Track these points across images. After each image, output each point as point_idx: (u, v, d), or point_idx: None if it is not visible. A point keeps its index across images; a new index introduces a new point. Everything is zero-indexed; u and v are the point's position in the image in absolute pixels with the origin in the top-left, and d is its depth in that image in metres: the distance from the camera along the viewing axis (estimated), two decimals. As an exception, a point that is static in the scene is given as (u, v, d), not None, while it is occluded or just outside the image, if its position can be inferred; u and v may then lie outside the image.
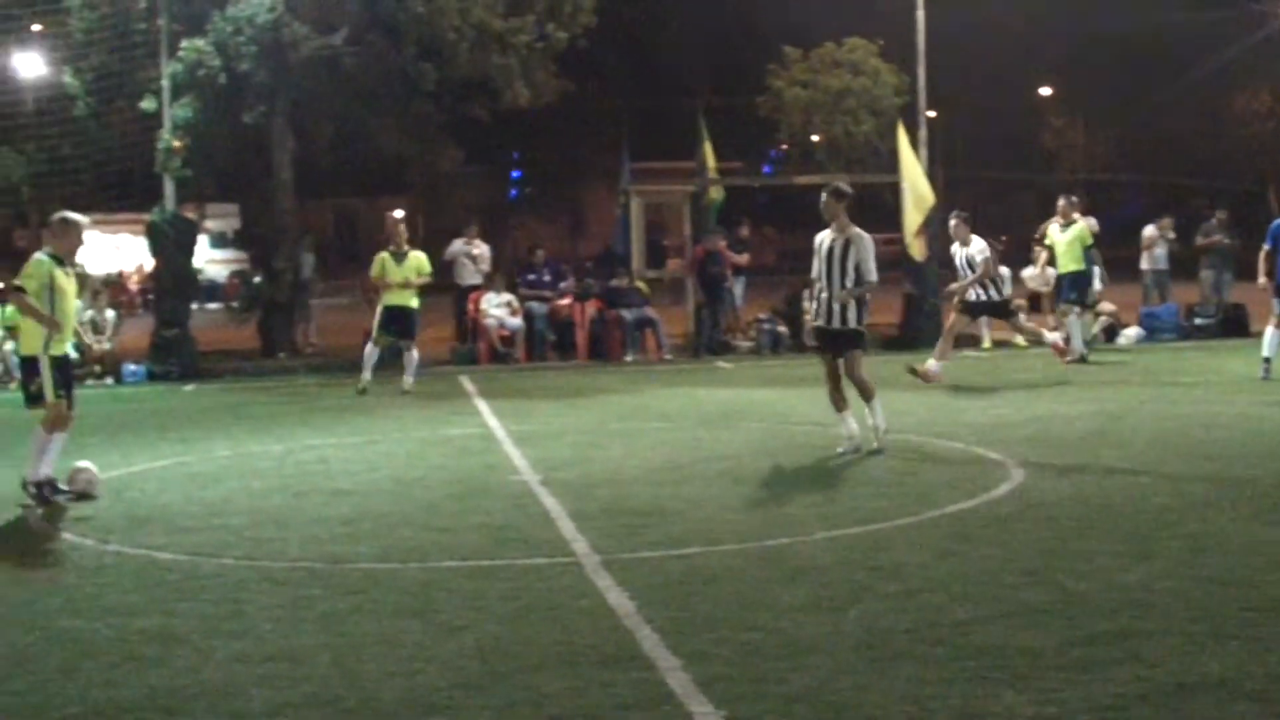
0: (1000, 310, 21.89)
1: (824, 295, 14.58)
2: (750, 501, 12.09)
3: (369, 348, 22.69)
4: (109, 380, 25.82)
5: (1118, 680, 7.00)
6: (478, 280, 28.36)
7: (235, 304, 31.93)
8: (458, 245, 29.11)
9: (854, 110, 37.78)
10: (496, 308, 27.12)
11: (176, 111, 27.31)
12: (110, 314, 26.99)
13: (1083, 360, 23.39)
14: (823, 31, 40.22)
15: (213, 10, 27.34)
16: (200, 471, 14.72)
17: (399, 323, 22.25)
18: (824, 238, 14.69)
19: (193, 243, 28.51)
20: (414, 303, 22.39)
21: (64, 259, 13.13)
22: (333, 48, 27.78)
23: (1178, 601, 8.39)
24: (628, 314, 27.36)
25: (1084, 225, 24.81)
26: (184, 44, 27.16)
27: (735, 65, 55.43)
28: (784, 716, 6.65)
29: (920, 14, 29.59)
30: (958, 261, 21.07)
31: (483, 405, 19.95)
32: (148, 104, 27.73)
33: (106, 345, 26.28)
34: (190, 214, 28.58)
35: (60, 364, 13.10)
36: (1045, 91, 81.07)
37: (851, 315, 14.51)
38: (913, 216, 27.44)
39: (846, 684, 7.06)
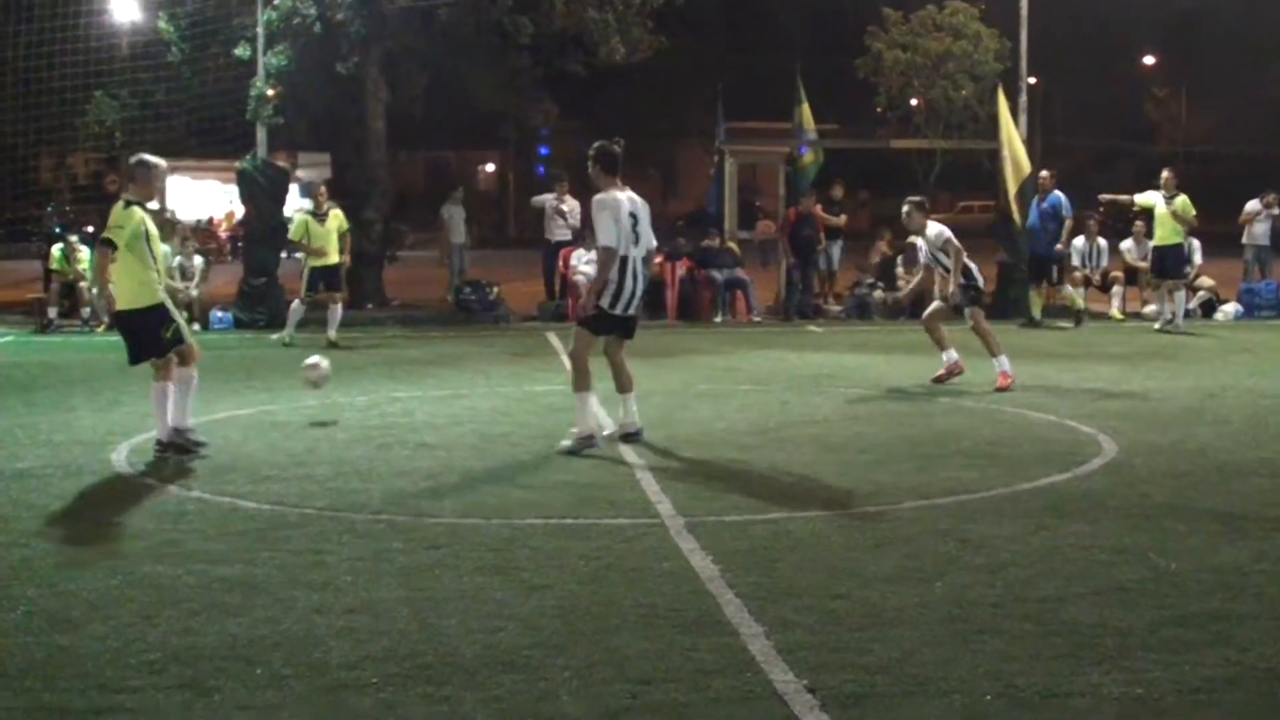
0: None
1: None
2: (838, 467, 11.96)
3: (295, 304, 23.48)
4: (196, 326, 25.88)
5: (1208, 663, 6.86)
6: (568, 236, 28.28)
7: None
8: (547, 199, 29.05)
9: (953, 75, 37.53)
10: (586, 264, 27.02)
11: (270, 59, 27.36)
12: (199, 260, 27.07)
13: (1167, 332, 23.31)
14: (924, -7, 39.94)
15: (307, -41, 27.37)
16: (285, 421, 14.72)
17: (326, 279, 23.15)
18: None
19: (284, 191, 28.58)
20: (335, 259, 23.25)
21: (143, 204, 12.82)
22: (427, -1, 27.75)
23: (1272, 584, 8.24)
24: (718, 275, 27.22)
25: (1185, 198, 24.56)
26: (280, -9, 27.21)
27: (834, 26, 55.12)
28: (866, 687, 6.56)
29: (1024, -23, 29.26)
30: (922, 257, 18.44)
31: (569, 363, 19.85)
32: (241, 51, 27.82)
33: (194, 292, 26.36)
34: (281, 162, 28.65)
35: (157, 310, 12.85)
36: (1149, 61, 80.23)
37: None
38: (1011, 185, 27.11)
39: (930, 657, 6.95)
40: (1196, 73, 76.41)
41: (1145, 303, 27.82)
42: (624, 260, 12.82)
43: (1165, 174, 25.05)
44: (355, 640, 7.25)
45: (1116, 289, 27.82)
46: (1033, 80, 30.70)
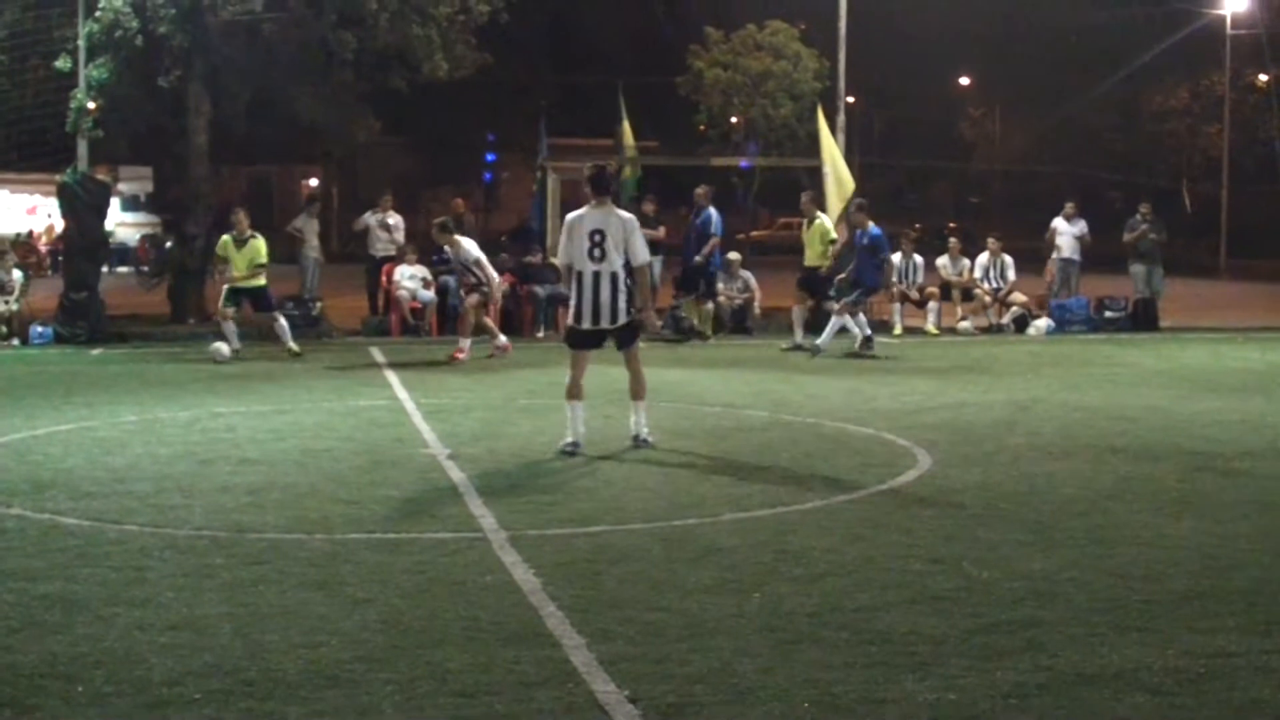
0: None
1: None
2: (659, 481, 12.11)
3: (228, 323, 23.39)
4: (15, 342, 25.55)
5: (1019, 669, 7.07)
6: (391, 252, 28.24)
7: (145, 268, 31.65)
8: (370, 216, 28.99)
9: (773, 93, 37.93)
10: (409, 280, 27.00)
11: (92, 72, 27.03)
12: (18, 274, 26.67)
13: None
14: (744, 13, 40.35)
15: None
16: (106, 437, 14.57)
17: (252, 301, 23.57)
18: None
19: (105, 205, 28.22)
20: (258, 283, 23.46)
21: None
22: (252, 13, 27.52)
23: (1080, 592, 8.48)
24: (540, 290, 27.29)
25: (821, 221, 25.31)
26: (101, 4, 26.89)
27: (656, 44, 55.48)
28: (686, 697, 6.67)
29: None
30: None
31: (393, 377, 19.86)
32: (62, 63, 27.46)
33: (13, 306, 25.99)
34: (103, 176, 28.30)
35: None
36: (964, 81, 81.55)
37: None
38: (834, 202, 27.50)
39: (749, 666, 7.09)
40: (1011, 93, 77.79)
41: (962, 317, 28.38)
42: (579, 275, 13.53)
43: (803, 197, 25.80)
44: (178, 656, 7.23)
45: (932, 304, 28.27)
46: (851, 99, 31.07)
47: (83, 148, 27.19)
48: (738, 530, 10.14)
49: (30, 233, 50.53)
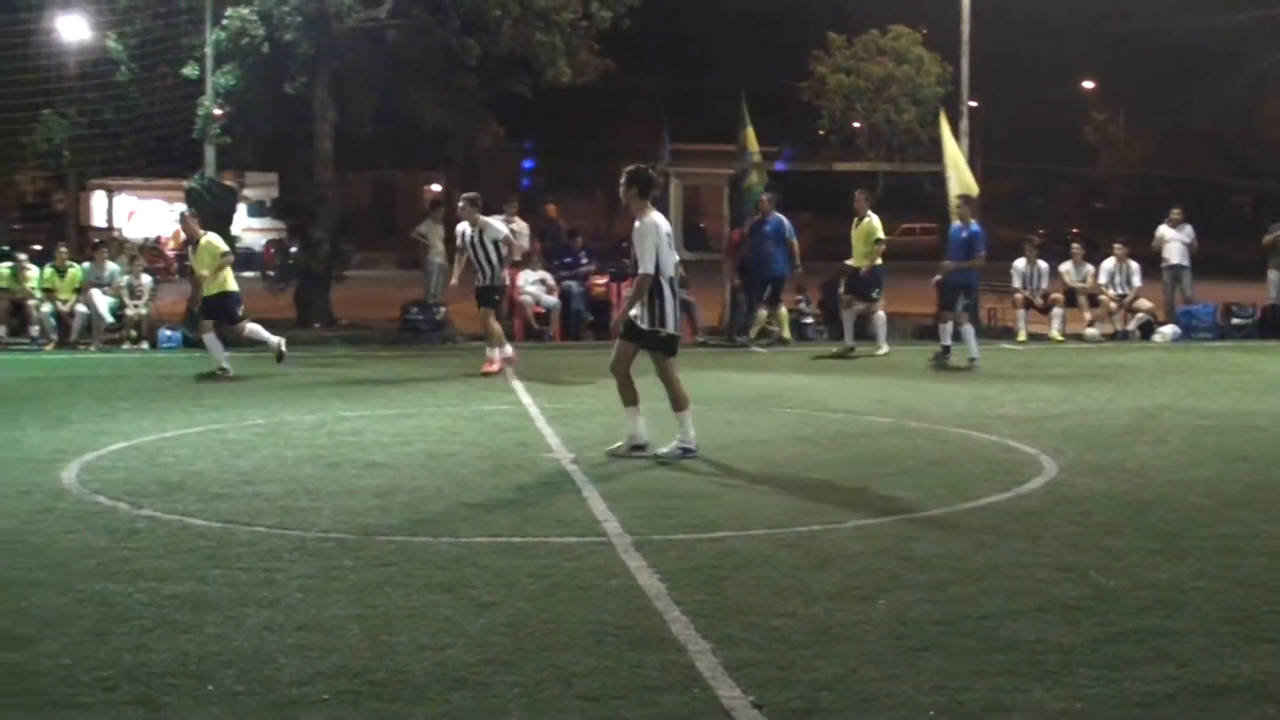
0: None
1: None
2: (782, 487, 12.08)
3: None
4: (144, 345, 25.91)
5: (1147, 679, 6.99)
6: (516, 256, 28.33)
7: (271, 273, 31.97)
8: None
9: (896, 98, 37.69)
10: (532, 285, 27.11)
11: (218, 79, 27.38)
12: (147, 279, 27.05)
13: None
14: (867, 18, 40.12)
15: (258, -22, 27.42)
16: (234, 439, 14.74)
17: (219, 312, 21.89)
18: None
19: (231, 210, 28.58)
20: (224, 288, 21.77)
21: None
22: (377, 20, 27.80)
23: (1209, 602, 8.37)
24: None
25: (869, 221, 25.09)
26: (228, 12, 27.23)
27: (778, 50, 55.33)
28: (811, 703, 6.65)
29: (965, 3, 29.48)
30: None
31: (516, 382, 19.93)
32: (190, 71, 27.82)
33: (142, 310, 26.36)
34: (229, 181, 28.65)
35: None
36: (1088, 85, 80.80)
37: None
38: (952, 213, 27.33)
39: (874, 673, 7.06)
40: (1134, 97, 77.03)
41: (1090, 322, 28.15)
42: (669, 281, 13.45)
43: (857, 195, 25.55)
44: (306, 657, 7.31)
45: (1056, 310, 28.05)
46: (974, 104, 30.86)
47: (210, 154, 27.55)
48: (861, 537, 10.10)
49: (158, 238, 51.20)
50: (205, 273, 21.58)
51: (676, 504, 11.24)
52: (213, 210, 27.18)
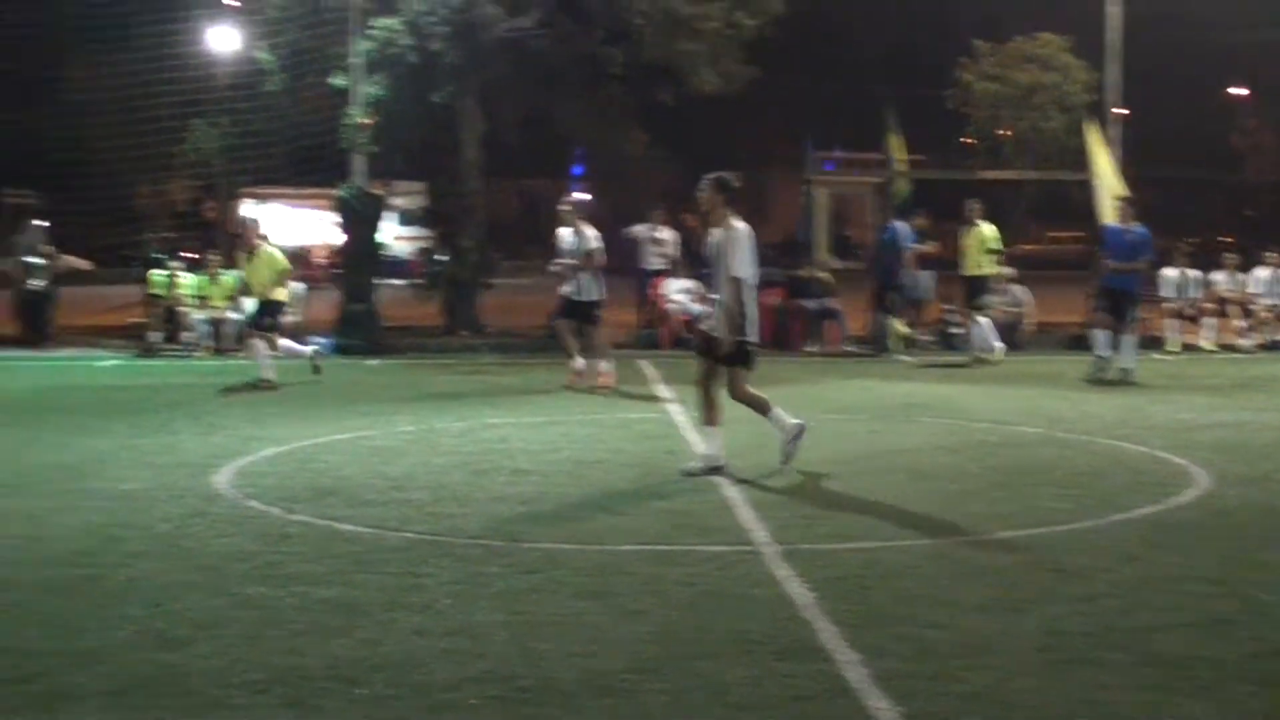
0: None
1: None
2: (929, 497, 12.00)
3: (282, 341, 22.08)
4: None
5: (1304, 695, 6.90)
6: (661, 265, 28.37)
7: (420, 280, 32.24)
8: (641, 229, 29.15)
9: (1043, 106, 37.45)
10: (679, 293, 27.13)
11: (366, 89, 27.65)
12: (297, 287, 27.39)
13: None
14: (1013, 25, 39.88)
15: (405, -11, 27.68)
16: (383, 446, 14.89)
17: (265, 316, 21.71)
18: None
19: (378, 219, 28.86)
20: (269, 298, 21.65)
21: None
22: (522, 30, 27.95)
23: (1367, 617, 8.24)
24: (809, 304, 27.28)
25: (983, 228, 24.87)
26: (376, 22, 27.51)
27: (923, 58, 55.06)
28: (960, 715, 6.62)
29: (1113, 9, 29.16)
30: None
31: (663, 390, 19.96)
32: (338, 80, 28.12)
33: (293, 318, 26.69)
34: (377, 190, 28.94)
35: None
36: (1237, 91, 79.61)
37: None
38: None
39: (1024, 685, 7.01)
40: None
41: (1250, 328, 27.77)
42: (753, 291, 13.21)
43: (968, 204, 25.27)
44: (456, 662, 7.37)
45: (1208, 320, 27.68)
46: (1123, 111, 30.51)
47: (358, 163, 27.82)
48: (1009, 548, 10.02)
49: (307, 247, 51.74)
50: (258, 285, 21.59)
51: (824, 513, 11.22)
52: (363, 219, 27.51)
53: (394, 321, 29.16)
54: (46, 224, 28.73)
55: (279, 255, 21.72)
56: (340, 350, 26.05)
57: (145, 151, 32.29)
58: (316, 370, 21.45)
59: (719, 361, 13.20)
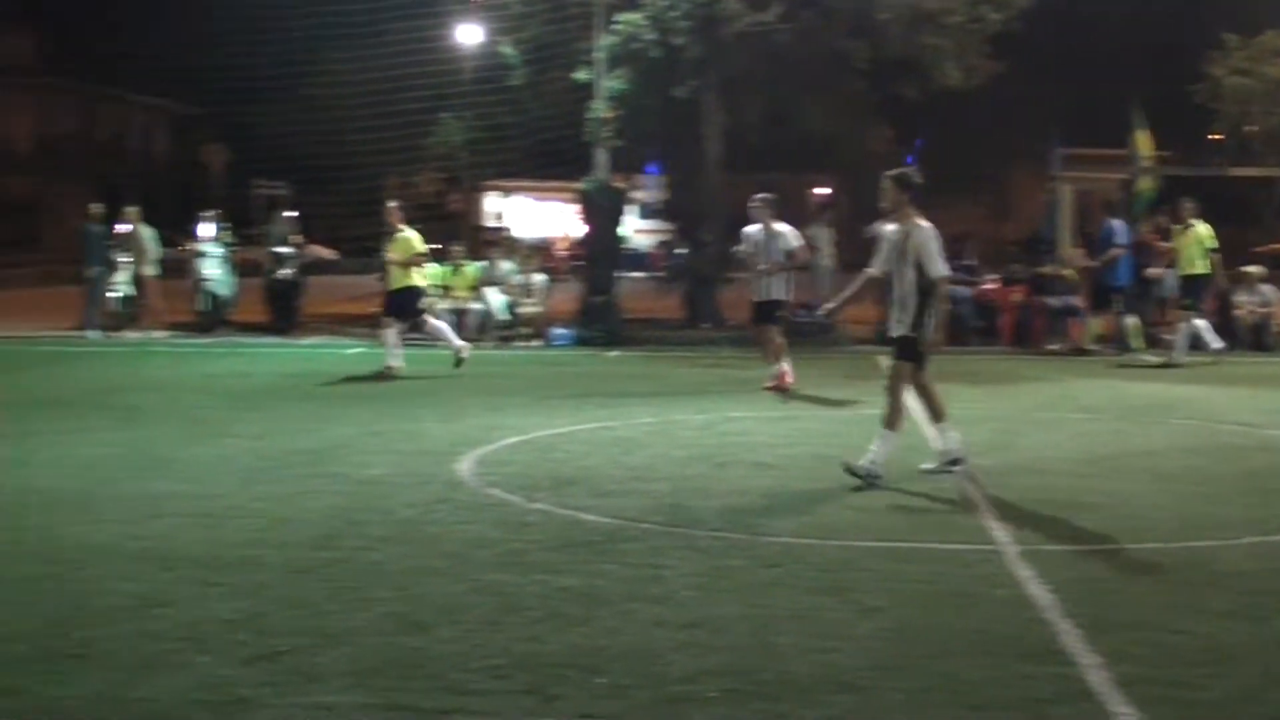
0: None
1: None
2: (1174, 500, 11.78)
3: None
4: (536, 343, 26.52)
5: None
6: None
7: (660, 273, 32.43)
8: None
9: (1295, 101, 36.54)
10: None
11: (609, 83, 27.85)
12: (540, 278, 27.69)
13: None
14: (1265, 18, 38.97)
15: (648, -17, 27.83)
16: (624, 436, 15.00)
17: (399, 308, 21.88)
18: None
19: (620, 212, 29.06)
20: (409, 283, 21.81)
21: None
22: (765, 24, 27.93)
23: None
24: (1053, 301, 26.92)
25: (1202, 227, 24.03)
26: (619, 17, 27.68)
27: (1171, 52, 53.99)
28: (1206, 723, 6.51)
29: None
30: None
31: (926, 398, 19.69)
32: (582, 75, 28.34)
33: (536, 309, 26.99)
34: (619, 184, 29.14)
35: None
36: None
37: None
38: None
39: (1273, 695, 6.87)
40: None
41: None
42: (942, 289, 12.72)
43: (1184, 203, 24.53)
44: (694, 654, 7.40)
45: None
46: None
47: (600, 156, 28.03)
48: (1257, 554, 9.80)
49: (549, 239, 52.33)
50: (396, 257, 21.62)
51: (1065, 514, 11.06)
52: (605, 212, 27.73)
53: (634, 314, 29.34)
54: (295, 215, 29.40)
55: (417, 241, 21.82)
56: (580, 341, 26.28)
57: (393, 145, 32.91)
58: (458, 364, 21.35)
59: (897, 355, 12.70)
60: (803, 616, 8.10)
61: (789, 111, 30.82)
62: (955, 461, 12.69)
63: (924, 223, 12.58)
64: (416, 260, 21.83)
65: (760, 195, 19.81)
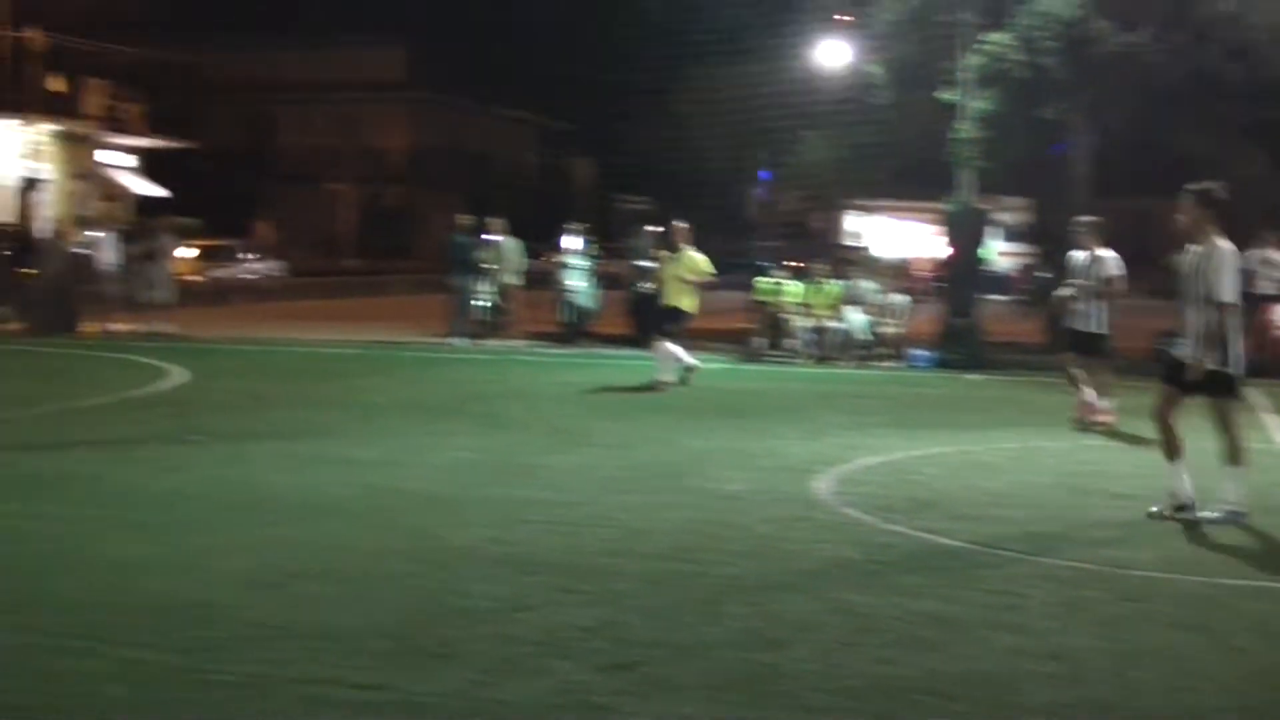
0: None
1: None
2: None
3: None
4: (896, 363, 26.41)
5: None
6: (1273, 290, 27.26)
7: (1022, 296, 32.03)
8: (1252, 253, 28.13)
9: None
10: (1293, 319, 26.02)
11: (974, 103, 27.61)
12: (901, 298, 27.58)
13: None
14: None
15: (1016, 4, 27.48)
16: (983, 461, 14.86)
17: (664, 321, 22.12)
18: None
19: (980, 233, 28.78)
20: (678, 304, 21.97)
21: None
22: (1135, 45, 27.40)
23: None
24: None
25: None
26: (986, 37, 27.44)
27: None
28: None
29: None
30: None
31: (1272, 420, 19.16)
32: (947, 95, 28.16)
33: (896, 329, 26.88)
34: (982, 205, 28.86)
35: None
36: None
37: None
38: None
39: None
40: None
41: None
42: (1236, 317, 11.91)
43: None
44: (1052, 686, 7.30)
45: None
46: None
47: (964, 177, 27.80)
48: None
49: (910, 257, 52.04)
50: (689, 276, 21.91)
51: None
52: (966, 233, 27.52)
53: (995, 337, 29.01)
54: (658, 229, 29.77)
55: (704, 262, 22.13)
56: (940, 364, 26.08)
57: (755, 162, 33.15)
58: (683, 382, 21.57)
59: (1186, 391, 11.93)
60: (1164, 654, 7.93)
61: (1159, 134, 30.17)
62: (1183, 508, 11.74)
63: (1225, 244, 11.80)
64: (698, 281, 22.07)
65: (1084, 219, 18.95)
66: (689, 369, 21.87)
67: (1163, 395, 12.16)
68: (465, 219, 30.64)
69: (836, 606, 8.72)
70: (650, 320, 22.61)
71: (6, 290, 33.89)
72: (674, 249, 22.39)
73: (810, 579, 9.45)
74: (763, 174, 42.10)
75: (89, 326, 30.79)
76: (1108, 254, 18.31)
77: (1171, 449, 12.02)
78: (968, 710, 6.93)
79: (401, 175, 74.52)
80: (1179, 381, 11.93)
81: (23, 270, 34.29)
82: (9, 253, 35.09)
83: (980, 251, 28.55)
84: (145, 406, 18.44)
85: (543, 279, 32.24)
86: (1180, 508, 11.78)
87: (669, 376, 21.39)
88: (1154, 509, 11.91)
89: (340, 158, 71.17)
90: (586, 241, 30.95)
